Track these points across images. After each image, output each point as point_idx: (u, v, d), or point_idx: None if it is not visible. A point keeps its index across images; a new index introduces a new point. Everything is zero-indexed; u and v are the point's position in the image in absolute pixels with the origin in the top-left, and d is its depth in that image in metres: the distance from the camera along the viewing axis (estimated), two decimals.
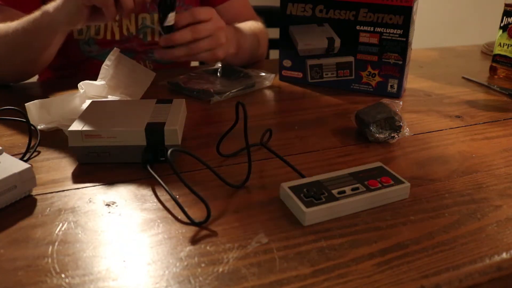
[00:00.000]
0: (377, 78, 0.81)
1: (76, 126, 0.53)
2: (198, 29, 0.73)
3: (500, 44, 0.94)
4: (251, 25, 0.98)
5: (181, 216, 0.45)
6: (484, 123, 0.69)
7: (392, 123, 0.61)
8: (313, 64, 0.84)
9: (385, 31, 0.77)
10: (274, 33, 1.00)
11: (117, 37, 0.94)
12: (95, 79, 0.71)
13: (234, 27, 0.89)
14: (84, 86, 0.68)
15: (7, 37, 0.75)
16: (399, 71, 0.78)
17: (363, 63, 0.81)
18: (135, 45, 0.97)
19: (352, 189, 0.46)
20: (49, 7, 0.72)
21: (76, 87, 0.69)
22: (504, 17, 0.92)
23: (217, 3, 1.00)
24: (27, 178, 0.47)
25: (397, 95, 0.81)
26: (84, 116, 0.56)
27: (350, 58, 0.81)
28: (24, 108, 0.62)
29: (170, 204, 0.47)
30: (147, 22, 0.96)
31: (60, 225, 0.43)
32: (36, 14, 0.73)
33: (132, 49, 0.97)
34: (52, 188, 0.49)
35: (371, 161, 0.56)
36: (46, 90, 0.83)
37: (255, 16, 1.08)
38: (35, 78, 0.98)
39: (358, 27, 0.78)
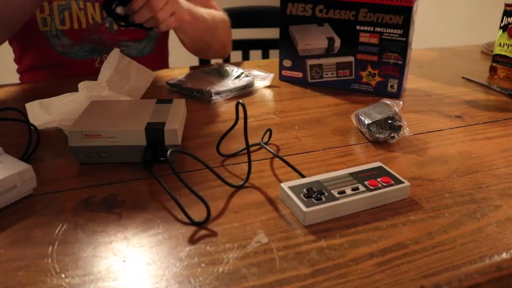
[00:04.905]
0: (377, 78, 0.81)
1: (76, 126, 0.53)
2: None
3: (500, 44, 0.94)
4: (206, 9, 0.99)
5: (181, 216, 0.45)
6: (484, 123, 0.69)
7: (392, 123, 0.61)
8: (313, 64, 0.84)
9: (385, 31, 0.77)
10: (274, 33, 1.00)
11: (84, 25, 0.93)
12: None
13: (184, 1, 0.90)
14: (84, 86, 0.68)
15: None
16: (399, 71, 0.78)
17: (363, 63, 0.81)
18: (104, 38, 0.96)
19: (352, 189, 0.46)
20: None
21: (76, 87, 0.69)
22: (504, 17, 0.92)
23: None
24: (27, 178, 0.47)
25: (397, 95, 0.81)
26: (84, 116, 0.56)
27: (350, 58, 0.81)
28: (24, 108, 0.62)
29: (170, 204, 0.47)
30: None
31: (60, 225, 0.43)
32: None
33: (102, 42, 0.96)
34: (52, 188, 0.49)
35: (371, 161, 0.56)
36: (46, 90, 0.82)
37: (218, 9, 1.08)
38: (32, 79, 0.98)
39: (358, 27, 0.78)
